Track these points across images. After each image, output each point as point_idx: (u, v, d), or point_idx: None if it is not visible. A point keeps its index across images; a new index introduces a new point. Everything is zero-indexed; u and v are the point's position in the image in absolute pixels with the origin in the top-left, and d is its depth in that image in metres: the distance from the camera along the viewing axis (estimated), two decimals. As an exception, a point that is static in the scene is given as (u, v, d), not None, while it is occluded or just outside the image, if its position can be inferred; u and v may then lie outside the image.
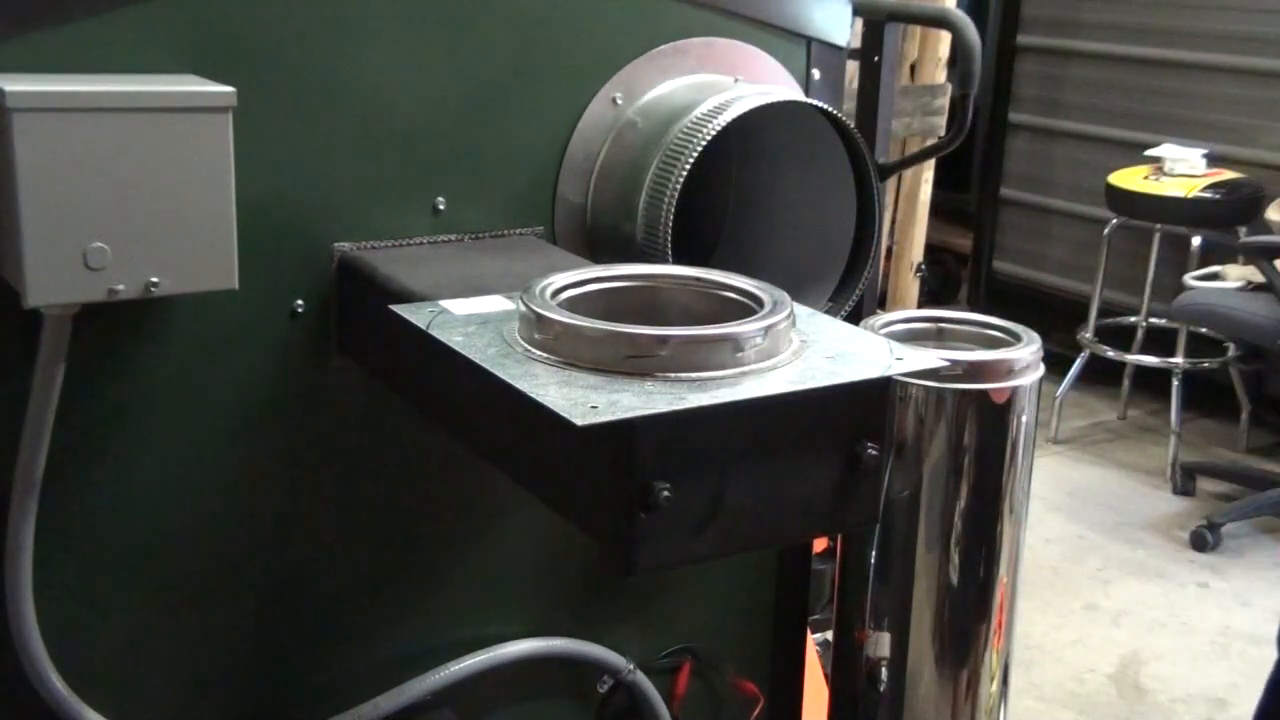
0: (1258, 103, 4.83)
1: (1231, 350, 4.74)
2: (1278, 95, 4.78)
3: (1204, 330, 4.69)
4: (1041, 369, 1.86)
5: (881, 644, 1.94)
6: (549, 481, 1.32)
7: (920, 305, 4.75)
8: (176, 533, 1.61)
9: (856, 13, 2.00)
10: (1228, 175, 4.67)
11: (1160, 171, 4.73)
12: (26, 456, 1.45)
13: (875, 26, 2.07)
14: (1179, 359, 4.70)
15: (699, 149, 1.64)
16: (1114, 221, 4.87)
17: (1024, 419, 1.83)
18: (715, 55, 1.86)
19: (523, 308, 1.28)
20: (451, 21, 1.64)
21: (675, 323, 1.30)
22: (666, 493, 1.15)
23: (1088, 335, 4.98)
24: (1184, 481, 4.51)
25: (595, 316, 1.27)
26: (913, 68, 4.56)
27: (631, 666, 1.98)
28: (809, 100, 1.75)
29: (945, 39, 4.49)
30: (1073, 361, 4.98)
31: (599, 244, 1.80)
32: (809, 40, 1.96)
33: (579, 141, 1.77)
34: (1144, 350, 4.94)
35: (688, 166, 1.65)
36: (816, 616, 2.72)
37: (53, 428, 1.45)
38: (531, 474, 1.34)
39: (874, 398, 1.28)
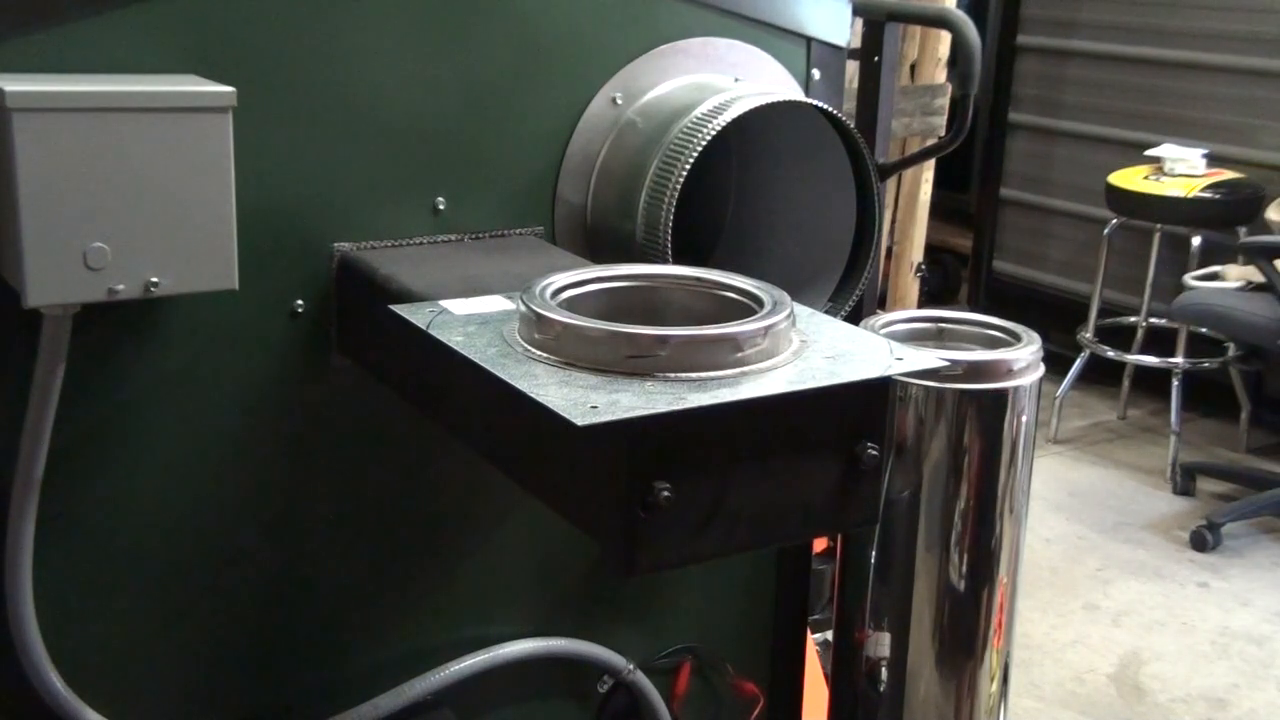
0: (1258, 103, 4.83)
1: (1231, 350, 4.74)
2: (1278, 95, 4.78)
3: (1204, 330, 4.69)
4: (1041, 369, 1.86)
5: (881, 644, 1.94)
6: (549, 481, 1.32)
7: (920, 305, 4.75)
8: (176, 532, 1.61)
9: (856, 13, 2.00)
10: (1228, 175, 4.67)
11: (1160, 171, 4.73)
12: (26, 456, 1.45)
13: (875, 26, 2.07)
14: (1179, 359, 4.70)
15: (699, 149, 1.64)
16: (1114, 221, 4.87)
17: (1024, 419, 1.83)
18: (715, 55, 1.86)
19: (523, 308, 1.28)
20: (452, 21, 1.64)
21: (675, 323, 1.30)
22: (666, 493, 1.15)
23: (1088, 335, 4.98)
24: (1184, 481, 4.51)
25: (595, 316, 1.27)
26: (913, 68, 4.56)
27: (631, 666, 1.98)
28: (809, 100, 1.75)
29: (945, 39, 4.48)
30: (1073, 361, 4.97)
31: (599, 244, 1.80)
32: (809, 40, 1.96)
33: (579, 141, 1.77)
34: (1144, 350, 4.93)
35: (688, 166, 1.65)
36: (816, 616, 2.73)
37: (53, 428, 1.45)
38: (531, 474, 1.34)
39: (874, 398, 1.28)
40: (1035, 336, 1.88)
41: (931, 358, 1.37)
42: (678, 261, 1.63)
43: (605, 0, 1.76)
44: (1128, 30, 5.22)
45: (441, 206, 1.70)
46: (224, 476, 1.62)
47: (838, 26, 1.98)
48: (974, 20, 1.92)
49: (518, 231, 1.76)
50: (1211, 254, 4.65)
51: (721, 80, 1.84)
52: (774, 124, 1.84)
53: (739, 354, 1.22)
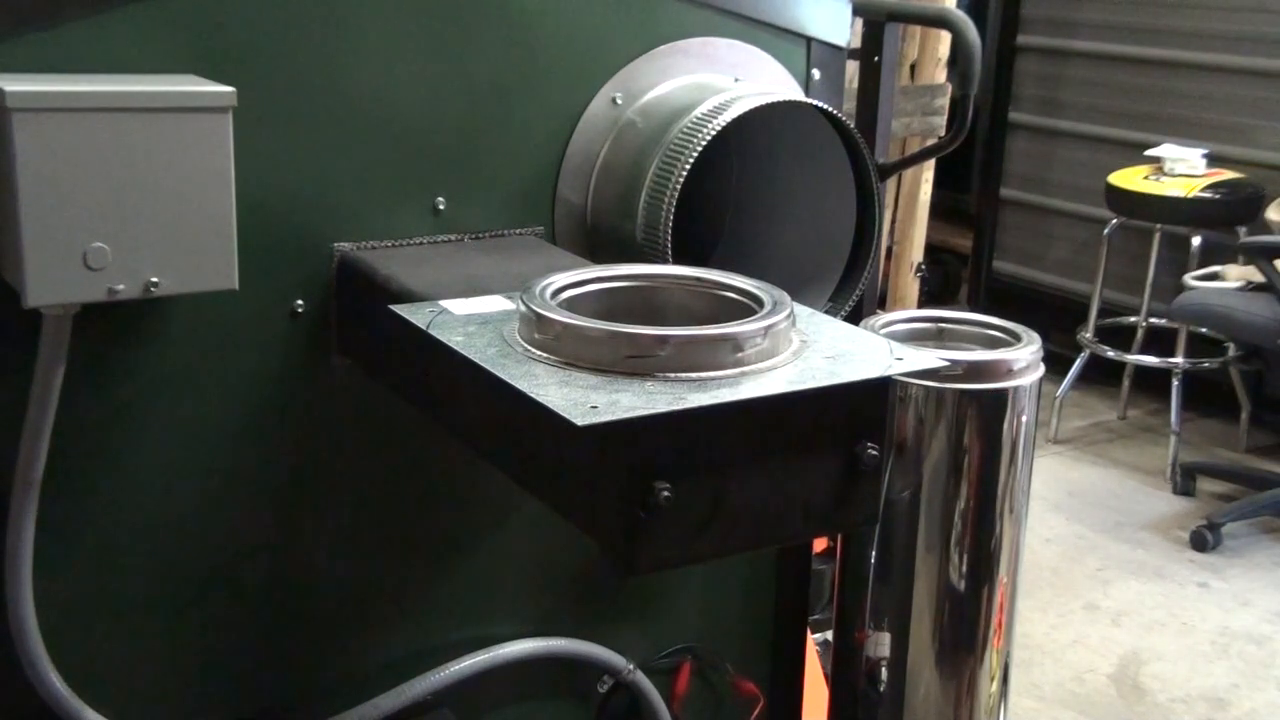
0: (1258, 103, 4.83)
1: (1231, 350, 4.74)
2: (1278, 95, 4.78)
3: (1204, 330, 4.69)
4: (1041, 369, 1.86)
5: (881, 644, 1.94)
6: (549, 481, 1.32)
7: (920, 305, 4.75)
8: (176, 533, 1.61)
9: (856, 13, 2.00)
10: (1228, 175, 4.67)
11: (1160, 171, 4.72)
12: (26, 456, 1.45)
13: (875, 26, 2.07)
14: (1179, 359, 4.70)
15: (699, 149, 1.64)
16: (1114, 221, 4.87)
17: (1024, 419, 1.83)
18: (715, 55, 1.86)
19: (523, 308, 1.29)
20: (452, 21, 1.64)
21: (675, 323, 1.30)
22: (666, 493, 1.15)
23: (1088, 335, 4.98)
24: (1184, 481, 4.51)
25: (595, 316, 1.27)
26: (913, 68, 4.56)
27: (631, 666, 1.98)
28: (809, 100, 1.75)
29: (945, 39, 4.48)
30: (1073, 361, 4.97)
31: (599, 244, 1.80)
32: (809, 40, 1.96)
33: (579, 141, 1.77)
34: (1144, 350, 4.93)
35: (688, 166, 1.65)
36: (816, 616, 2.73)
37: (53, 428, 1.45)
38: (531, 474, 1.34)
39: (874, 398, 1.28)
40: (1035, 336, 1.88)
41: (931, 358, 1.37)
42: (678, 261, 1.63)
43: (605, 0, 1.76)
44: (1128, 30, 5.22)
45: (441, 206, 1.70)
46: (224, 476, 1.62)
47: (838, 26, 1.98)
48: (974, 20, 1.92)
49: (518, 231, 1.76)
50: (1211, 254, 4.65)
51: (721, 80, 1.84)
52: (774, 124, 1.84)
53: (739, 354, 1.22)
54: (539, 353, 1.24)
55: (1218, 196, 4.56)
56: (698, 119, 1.67)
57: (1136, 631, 3.62)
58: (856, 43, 2.07)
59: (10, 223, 1.32)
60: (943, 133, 4.12)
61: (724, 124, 1.65)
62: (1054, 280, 5.59)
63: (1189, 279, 4.50)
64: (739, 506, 1.22)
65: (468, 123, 1.69)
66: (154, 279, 1.38)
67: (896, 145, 4.28)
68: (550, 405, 1.12)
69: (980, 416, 1.81)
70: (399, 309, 1.39)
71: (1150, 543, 4.15)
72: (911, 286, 4.60)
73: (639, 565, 1.19)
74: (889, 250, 4.56)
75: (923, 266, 4.63)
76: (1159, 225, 4.78)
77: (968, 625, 1.90)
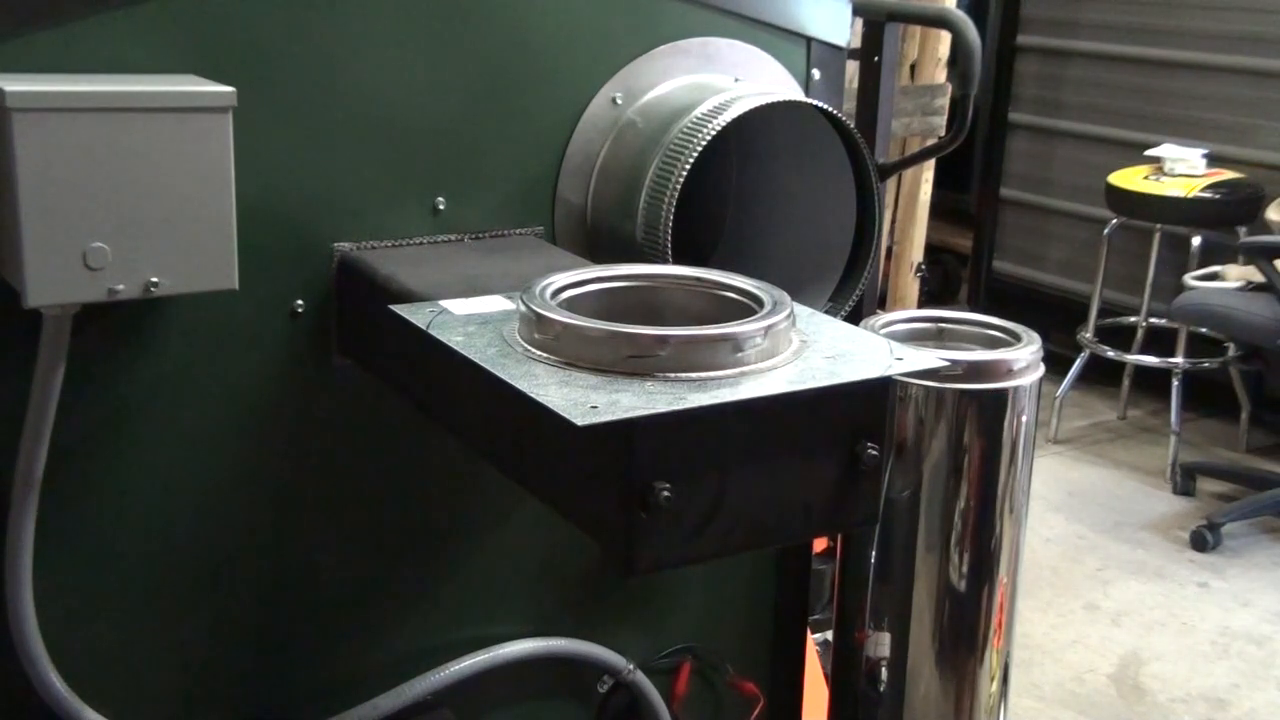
0: (1258, 103, 4.83)
1: (1231, 350, 4.74)
2: (1278, 95, 4.78)
3: (1204, 330, 4.69)
4: (1041, 369, 1.86)
5: (881, 644, 1.94)
6: (549, 481, 1.32)
7: (920, 305, 4.75)
8: (176, 533, 1.61)
9: (856, 13, 2.00)
10: (1228, 175, 4.67)
11: (1160, 171, 4.72)
12: (26, 456, 1.45)
13: (875, 26, 2.07)
14: (1179, 359, 4.70)
15: (699, 149, 1.64)
16: (1114, 221, 4.87)
17: (1024, 419, 1.83)
18: (715, 55, 1.86)
19: (523, 308, 1.29)
20: (452, 21, 1.64)
21: (675, 323, 1.30)
22: (666, 493, 1.15)
23: (1088, 335, 4.98)
24: (1184, 481, 4.51)
25: (595, 316, 1.27)
26: (913, 68, 4.56)
27: (631, 666, 1.98)
28: (809, 100, 1.75)
29: (945, 39, 4.48)
30: (1073, 361, 4.97)
31: (599, 244, 1.80)
32: (809, 40, 1.96)
33: (579, 141, 1.77)
34: (1144, 350, 4.93)
35: (688, 166, 1.65)
36: (816, 616, 2.73)
37: (53, 428, 1.45)
38: (531, 474, 1.34)
39: (874, 398, 1.28)
40: (1035, 336, 1.88)
41: (931, 358, 1.37)
42: (678, 261, 1.63)
43: (605, 0, 1.76)
44: (1128, 30, 5.22)
45: (441, 206, 1.70)
46: (224, 476, 1.62)
47: (838, 26, 1.98)
48: (974, 20, 1.92)
49: (518, 231, 1.76)
50: (1211, 254, 4.65)
51: (721, 80, 1.84)
52: (774, 124, 1.84)
53: (739, 354, 1.22)
54: (539, 353, 1.24)
55: (1218, 196, 4.56)
56: (698, 119, 1.67)
57: (1136, 631, 3.62)
58: (856, 43, 2.07)
59: (10, 223, 1.32)
60: (943, 133, 4.12)
61: (724, 124, 1.65)
62: (1054, 280, 5.59)
63: (1189, 279, 4.50)
64: (739, 506, 1.22)
65: (468, 123, 1.69)
66: (154, 279, 1.38)
67: (896, 145, 4.28)
68: (550, 405, 1.12)
69: (980, 416, 1.81)
70: (399, 309, 1.39)
71: (1150, 543, 4.15)
72: (911, 286, 4.60)
73: (639, 565, 1.19)
74: (889, 250, 4.56)
75: (923, 266, 4.63)
76: (1159, 225, 4.78)
77: (968, 625, 1.90)
